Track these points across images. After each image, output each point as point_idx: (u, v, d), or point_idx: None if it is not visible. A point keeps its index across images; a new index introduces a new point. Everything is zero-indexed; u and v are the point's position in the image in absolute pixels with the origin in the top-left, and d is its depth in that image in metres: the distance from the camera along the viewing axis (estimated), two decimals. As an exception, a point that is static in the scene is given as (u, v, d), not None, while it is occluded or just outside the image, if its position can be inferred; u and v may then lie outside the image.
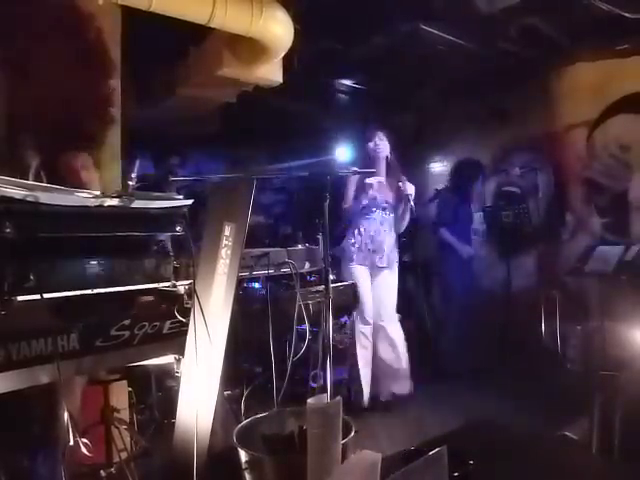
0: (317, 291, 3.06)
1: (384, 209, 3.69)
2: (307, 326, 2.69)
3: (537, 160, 5.11)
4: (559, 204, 4.92)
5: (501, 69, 4.82)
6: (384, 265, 3.68)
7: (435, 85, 5.35)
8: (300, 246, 3.37)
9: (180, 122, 4.82)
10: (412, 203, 3.53)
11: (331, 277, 2.37)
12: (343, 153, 5.54)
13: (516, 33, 4.27)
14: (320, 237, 3.20)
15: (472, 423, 2.91)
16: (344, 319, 4.00)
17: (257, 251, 2.80)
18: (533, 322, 4.52)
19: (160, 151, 4.86)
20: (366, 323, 3.64)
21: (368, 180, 3.63)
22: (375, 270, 3.69)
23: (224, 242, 1.89)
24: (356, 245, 3.67)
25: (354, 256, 3.66)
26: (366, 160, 3.76)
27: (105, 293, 1.65)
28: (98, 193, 1.59)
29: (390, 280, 3.73)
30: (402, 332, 3.73)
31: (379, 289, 3.70)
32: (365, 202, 3.67)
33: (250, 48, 3.42)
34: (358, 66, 4.84)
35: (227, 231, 1.89)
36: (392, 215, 3.72)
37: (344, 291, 3.52)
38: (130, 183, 1.68)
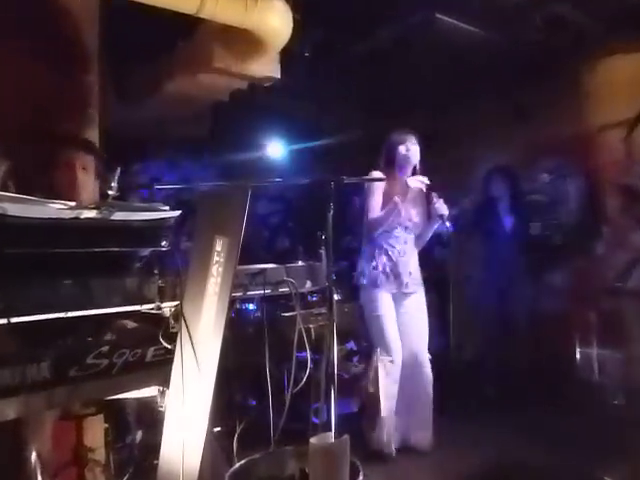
0: (320, 313, 3.06)
1: (406, 228, 3.63)
2: (308, 353, 2.68)
3: (567, 165, 5.11)
4: (593, 214, 4.92)
5: (525, 62, 4.85)
6: (411, 290, 3.62)
7: (451, 81, 5.38)
8: (300, 262, 3.37)
9: (166, 123, 4.86)
10: (448, 224, 3.47)
11: (336, 297, 2.37)
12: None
13: (542, 21, 4.30)
14: (323, 252, 3.20)
15: (503, 466, 2.89)
16: (350, 345, 4.00)
17: (252, 268, 2.80)
18: (566, 348, 4.51)
19: (143, 156, 4.89)
20: (390, 352, 3.52)
21: (411, 183, 3.50)
22: (401, 296, 3.61)
23: (215, 258, 1.89)
24: (379, 268, 3.58)
25: (378, 281, 3.57)
26: (388, 166, 3.64)
27: (81, 316, 1.65)
28: (74, 204, 1.60)
29: (419, 306, 3.65)
30: (430, 371, 3.61)
31: (407, 318, 3.61)
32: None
33: (244, 41, 3.45)
34: (365, 60, 4.88)
35: (218, 246, 1.90)
36: (414, 233, 3.67)
37: (350, 313, 3.52)
38: (110, 192, 1.69)
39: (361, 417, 3.61)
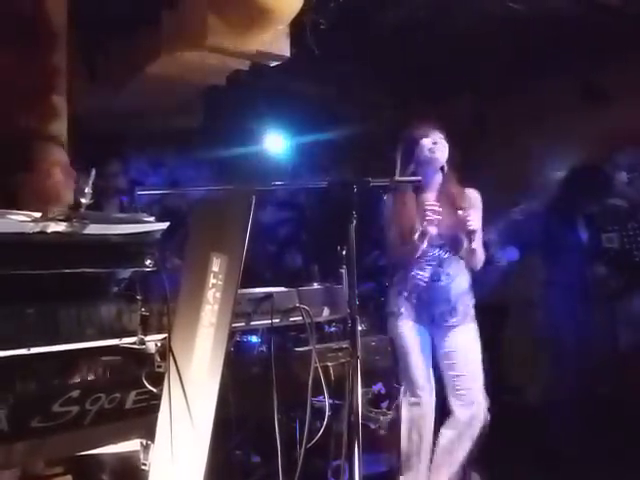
0: (340, 348, 3.06)
1: (441, 247, 3.58)
2: (326, 397, 2.69)
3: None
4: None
5: (597, 33, 4.84)
6: (453, 322, 3.58)
7: (501, 57, 5.38)
8: (316, 285, 3.37)
9: (149, 113, 4.90)
10: (473, 245, 3.44)
11: (360, 328, 2.37)
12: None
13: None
14: (344, 272, 3.20)
15: None
16: (378, 387, 3.98)
17: (256, 293, 2.81)
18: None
19: (122, 153, 4.94)
20: (415, 392, 3.55)
21: (428, 204, 3.43)
22: (441, 330, 3.60)
23: (211, 281, 1.91)
24: (404, 294, 3.60)
25: (403, 309, 3.59)
26: (413, 168, 3.60)
27: (46, 353, 1.66)
28: (39, 215, 1.62)
29: (467, 341, 3.60)
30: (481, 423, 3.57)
31: (453, 356, 3.59)
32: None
33: (245, 11, 3.49)
34: (394, 33, 4.90)
35: (215, 266, 1.91)
36: (456, 251, 3.60)
37: (378, 348, 3.51)
38: (83, 200, 1.71)
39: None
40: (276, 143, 6.34)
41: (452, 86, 5.71)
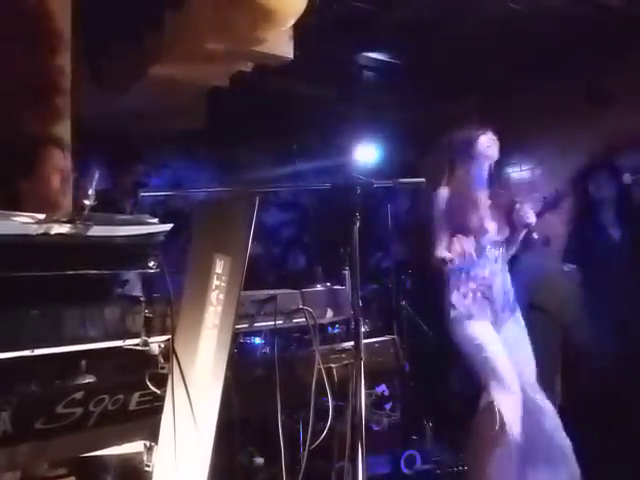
0: (343, 350, 3.06)
1: (495, 242, 3.70)
2: (330, 399, 2.68)
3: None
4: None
5: (600, 34, 4.84)
6: (507, 314, 3.71)
7: (505, 58, 5.38)
8: (319, 286, 3.36)
9: (153, 115, 4.91)
10: (535, 235, 3.56)
11: (364, 329, 2.37)
12: (372, 154, 5.59)
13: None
14: (347, 273, 3.20)
15: None
16: (382, 389, 3.98)
17: (260, 294, 2.81)
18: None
19: (125, 155, 4.94)
20: (505, 384, 3.51)
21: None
22: (498, 324, 3.69)
23: (215, 282, 1.91)
24: (470, 295, 3.66)
25: (472, 310, 3.64)
26: (469, 165, 3.68)
27: (49, 355, 1.66)
28: (42, 217, 1.62)
29: (519, 331, 3.74)
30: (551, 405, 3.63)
31: (508, 349, 3.64)
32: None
33: (249, 12, 3.49)
34: (398, 34, 4.90)
35: (219, 267, 1.91)
36: (504, 248, 3.75)
37: (381, 349, 3.51)
38: (86, 202, 1.71)
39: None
40: (280, 144, 6.34)
41: (457, 87, 5.70)
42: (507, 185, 3.73)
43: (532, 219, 3.55)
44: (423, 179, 3.48)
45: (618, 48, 4.97)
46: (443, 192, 3.66)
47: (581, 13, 4.59)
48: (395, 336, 3.59)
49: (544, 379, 3.81)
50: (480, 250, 3.62)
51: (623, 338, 4.78)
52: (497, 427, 3.45)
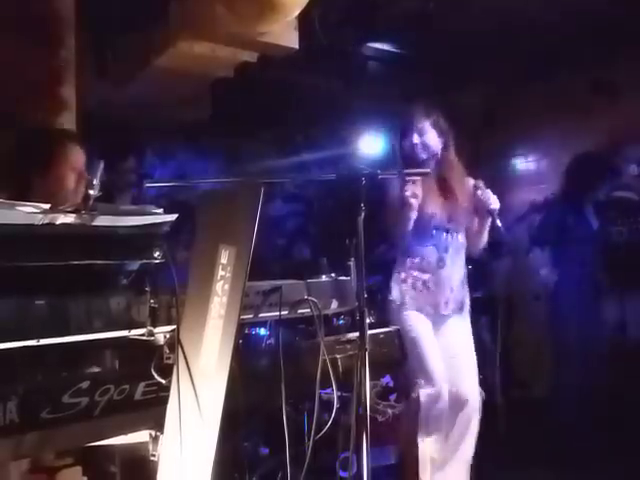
0: (348, 340, 3.06)
1: (447, 230, 3.57)
2: (334, 390, 2.69)
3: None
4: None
5: (608, 25, 4.82)
6: (450, 311, 3.58)
7: (512, 49, 5.36)
8: (324, 277, 3.36)
9: (157, 106, 4.91)
10: (499, 222, 3.41)
11: (369, 320, 2.37)
12: (377, 145, 5.58)
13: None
14: (352, 264, 3.20)
15: None
16: (386, 380, 3.98)
17: (265, 285, 2.81)
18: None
19: (130, 146, 4.94)
20: (432, 381, 3.47)
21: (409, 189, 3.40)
22: (438, 319, 3.58)
23: (220, 273, 1.91)
24: (409, 281, 3.57)
25: (407, 299, 3.55)
26: (410, 157, 3.60)
27: (55, 345, 1.67)
28: (47, 207, 1.62)
29: (462, 331, 3.62)
30: (477, 414, 3.55)
31: (447, 347, 3.57)
32: (420, 221, 3.52)
33: (254, 2, 3.49)
34: (403, 25, 4.89)
35: (224, 258, 1.91)
36: (459, 237, 3.61)
37: (386, 340, 3.51)
38: (91, 192, 1.71)
39: (401, 470, 3.59)
40: (285, 135, 6.33)
41: (462, 80, 5.69)
42: (464, 173, 3.61)
43: (495, 205, 3.43)
44: (428, 170, 3.49)
45: (626, 41, 4.95)
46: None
47: (587, 5, 4.57)
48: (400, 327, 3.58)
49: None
50: (429, 235, 3.53)
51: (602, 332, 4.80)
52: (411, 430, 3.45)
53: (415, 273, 3.57)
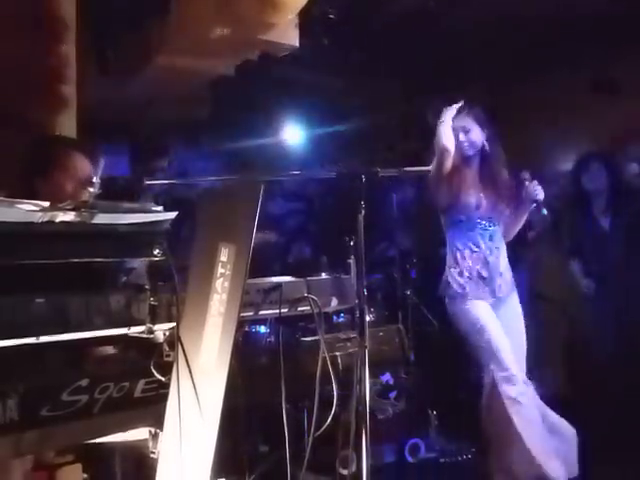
0: (348, 338, 3.06)
1: (490, 219, 3.68)
2: (334, 387, 2.68)
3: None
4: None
5: (609, 23, 4.81)
6: (504, 294, 3.68)
7: (513, 46, 5.36)
8: (324, 275, 3.37)
9: (158, 104, 4.90)
10: (545, 211, 3.55)
11: (368, 318, 2.37)
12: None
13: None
14: (352, 262, 3.20)
15: None
16: (386, 378, 3.99)
17: (265, 282, 2.81)
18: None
19: (131, 144, 4.94)
20: (506, 365, 3.49)
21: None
22: (494, 304, 3.66)
23: (220, 270, 1.91)
24: (465, 274, 3.64)
25: (467, 289, 3.62)
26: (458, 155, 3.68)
27: (55, 342, 1.66)
28: (47, 205, 1.62)
29: (515, 313, 3.72)
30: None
31: (507, 327, 3.63)
32: (465, 211, 3.65)
33: (255, 0, 3.48)
34: (404, 22, 4.88)
35: (224, 255, 1.91)
36: (501, 225, 3.74)
37: (386, 338, 3.51)
38: (91, 190, 1.71)
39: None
40: (286, 134, 6.32)
41: (463, 76, 5.68)
42: (504, 164, 3.67)
43: (541, 195, 3.54)
44: (429, 167, 3.52)
45: (628, 39, 4.94)
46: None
47: (588, 2, 4.56)
48: (400, 325, 3.58)
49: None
50: (475, 225, 3.64)
51: (624, 330, 4.79)
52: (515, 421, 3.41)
53: (469, 264, 3.65)
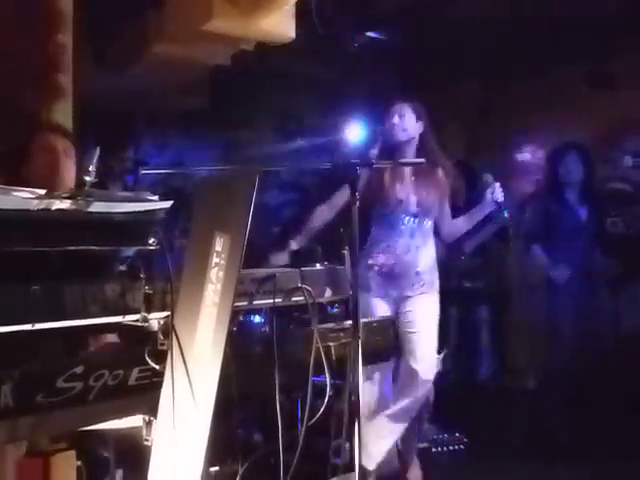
0: (342, 329, 3.07)
1: (415, 216, 3.63)
2: (328, 377, 2.69)
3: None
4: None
5: (606, 17, 4.80)
6: (417, 293, 3.64)
7: (508, 41, 5.35)
8: (319, 265, 3.37)
9: (155, 94, 4.90)
10: (506, 213, 3.52)
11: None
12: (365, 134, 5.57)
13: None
14: (346, 253, 3.21)
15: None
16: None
17: (259, 272, 2.82)
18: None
19: (127, 133, 4.93)
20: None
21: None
22: (403, 299, 3.66)
23: (214, 260, 1.91)
24: (375, 268, 3.62)
25: (372, 284, 3.61)
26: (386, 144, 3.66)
27: (49, 330, 1.67)
28: (43, 192, 1.62)
29: (425, 309, 3.67)
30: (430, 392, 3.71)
31: (407, 322, 3.65)
32: (388, 207, 3.61)
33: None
34: (399, 16, 4.88)
35: (219, 245, 1.91)
36: (428, 223, 3.68)
37: (379, 329, 3.52)
38: (87, 179, 1.71)
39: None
40: (282, 124, 6.32)
41: (459, 71, 5.68)
42: (440, 156, 3.67)
43: (502, 198, 3.52)
44: (423, 159, 3.51)
45: (623, 33, 4.94)
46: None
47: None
48: (393, 315, 3.59)
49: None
50: (396, 220, 3.60)
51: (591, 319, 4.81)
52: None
53: (382, 259, 3.62)
